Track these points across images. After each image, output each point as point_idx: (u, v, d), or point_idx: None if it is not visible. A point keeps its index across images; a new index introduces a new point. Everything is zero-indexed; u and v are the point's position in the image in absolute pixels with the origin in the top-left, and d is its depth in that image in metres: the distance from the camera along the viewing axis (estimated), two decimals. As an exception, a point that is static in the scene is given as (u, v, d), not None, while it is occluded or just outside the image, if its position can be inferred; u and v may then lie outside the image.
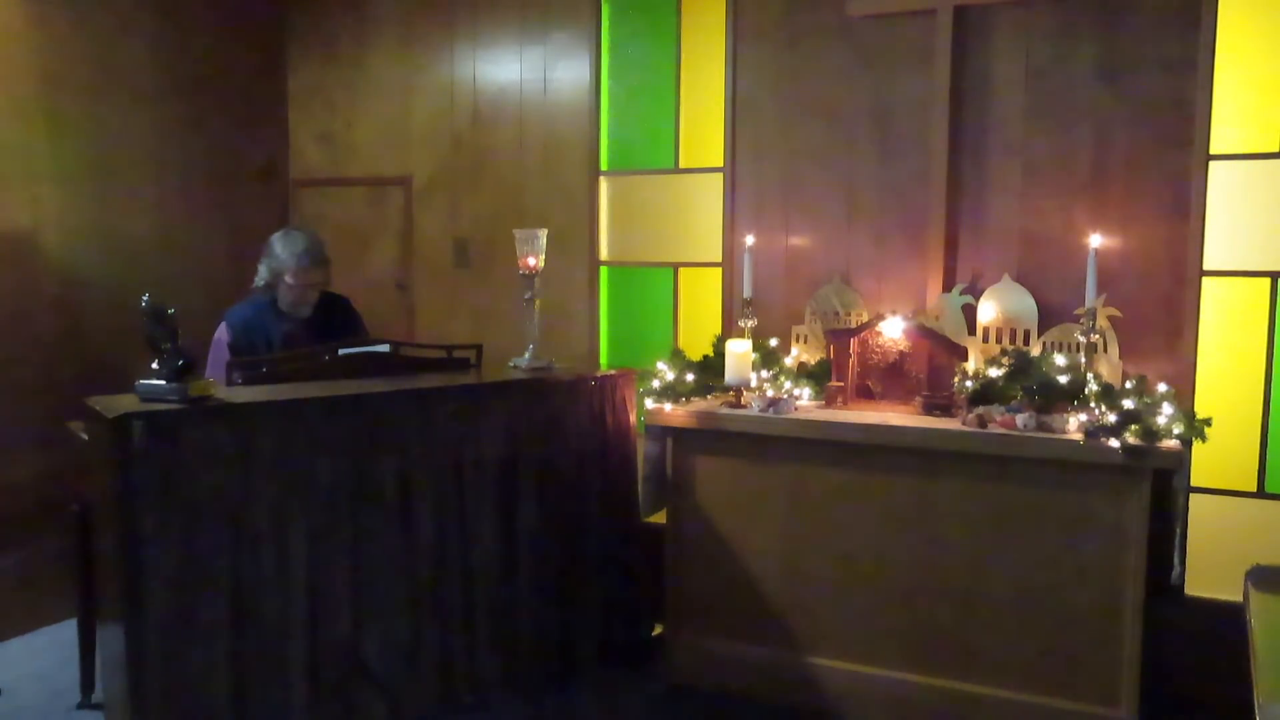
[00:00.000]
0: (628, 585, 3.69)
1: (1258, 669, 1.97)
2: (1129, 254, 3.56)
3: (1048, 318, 3.60)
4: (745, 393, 3.54)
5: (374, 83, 5.01)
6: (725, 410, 3.48)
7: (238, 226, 4.90)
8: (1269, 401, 3.44)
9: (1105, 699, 3.03)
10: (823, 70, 4.01)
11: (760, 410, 3.43)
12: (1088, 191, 3.62)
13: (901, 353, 3.53)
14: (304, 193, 5.26)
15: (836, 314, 3.94)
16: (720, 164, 4.23)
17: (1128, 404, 3.03)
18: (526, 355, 3.61)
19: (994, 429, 3.14)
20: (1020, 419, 3.12)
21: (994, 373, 3.32)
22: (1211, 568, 3.48)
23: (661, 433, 3.59)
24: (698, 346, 3.97)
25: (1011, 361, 3.32)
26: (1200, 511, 3.53)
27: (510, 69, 4.68)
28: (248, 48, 5.07)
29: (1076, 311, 3.42)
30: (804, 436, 3.34)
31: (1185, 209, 3.48)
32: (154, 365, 2.79)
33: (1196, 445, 3.14)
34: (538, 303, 3.61)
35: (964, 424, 3.21)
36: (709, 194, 4.28)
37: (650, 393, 3.63)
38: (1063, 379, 3.20)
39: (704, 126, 4.29)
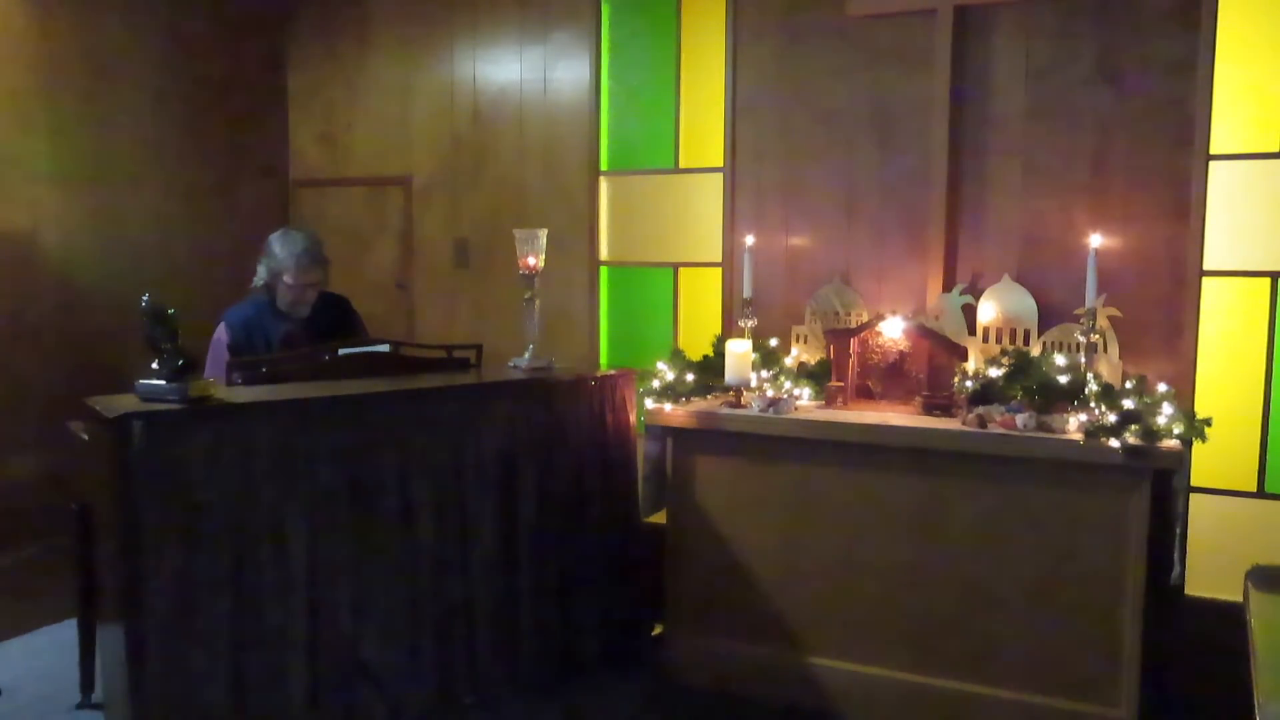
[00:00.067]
0: (628, 585, 3.69)
1: (1257, 669, 1.97)
2: (1129, 254, 3.56)
3: (1048, 318, 3.61)
4: (745, 393, 3.53)
5: (374, 83, 5.01)
6: (725, 410, 3.48)
7: (238, 226, 4.91)
8: (1269, 401, 3.44)
9: (1105, 699, 3.02)
10: (823, 70, 4.01)
11: (760, 410, 3.43)
12: (1088, 191, 3.62)
13: (901, 353, 3.52)
14: (304, 193, 5.27)
15: (836, 314, 3.94)
16: (720, 164, 4.23)
17: (1128, 404, 3.02)
18: (526, 355, 3.60)
19: (994, 429, 3.14)
20: (1020, 419, 3.12)
21: (994, 373, 3.32)
22: (1211, 568, 3.49)
23: (661, 433, 3.59)
24: (698, 346, 3.96)
25: (1011, 361, 3.32)
26: (1200, 511, 3.53)
27: (510, 69, 4.68)
28: (248, 48, 5.08)
29: (1076, 311, 3.41)
30: (804, 436, 3.34)
31: (1185, 209, 3.49)
32: (154, 365, 2.79)
33: (1196, 445, 3.14)
34: (538, 303, 3.60)
35: (964, 424, 3.20)
36: (709, 194, 4.28)
37: (650, 393, 3.63)
38: (1063, 379, 3.20)
39: (704, 126, 4.29)
